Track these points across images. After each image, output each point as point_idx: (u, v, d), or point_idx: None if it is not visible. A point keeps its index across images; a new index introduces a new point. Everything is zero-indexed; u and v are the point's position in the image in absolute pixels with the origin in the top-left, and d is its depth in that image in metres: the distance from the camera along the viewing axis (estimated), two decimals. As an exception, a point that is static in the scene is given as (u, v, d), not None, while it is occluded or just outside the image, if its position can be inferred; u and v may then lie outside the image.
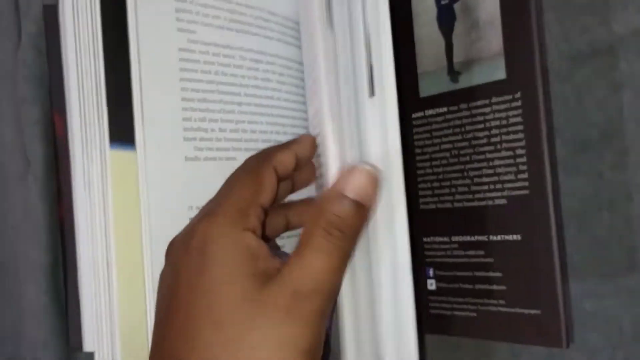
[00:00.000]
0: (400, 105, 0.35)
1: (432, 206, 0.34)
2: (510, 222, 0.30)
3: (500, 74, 0.30)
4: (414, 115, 0.34)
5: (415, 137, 0.34)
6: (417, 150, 0.34)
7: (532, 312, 0.30)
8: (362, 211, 0.24)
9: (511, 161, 0.30)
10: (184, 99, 0.29)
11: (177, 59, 0.29)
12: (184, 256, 0.23)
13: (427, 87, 0.34)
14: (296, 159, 0.28)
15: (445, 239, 0.33)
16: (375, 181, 0.24)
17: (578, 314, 0.31)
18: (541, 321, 0.29)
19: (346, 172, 0.24)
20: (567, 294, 0.30)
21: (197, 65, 0.30)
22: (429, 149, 0.34)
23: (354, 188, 0.24)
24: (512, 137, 0.30)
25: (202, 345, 0.21)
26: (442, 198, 0.33)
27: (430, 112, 0.34)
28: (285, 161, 0.27)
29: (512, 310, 0.30)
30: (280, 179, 0.27)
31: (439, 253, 0.34)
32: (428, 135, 0.34)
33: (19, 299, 0.34)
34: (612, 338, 0.30)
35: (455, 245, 0.33)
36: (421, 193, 0.34)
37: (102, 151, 0.28)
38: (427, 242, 0.34)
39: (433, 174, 0.34)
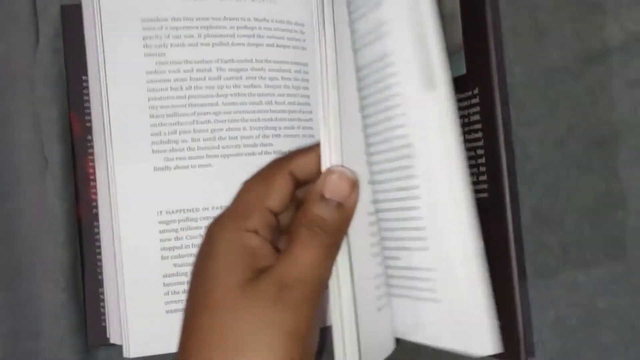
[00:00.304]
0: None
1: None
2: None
3: (461, 69, 0.28)
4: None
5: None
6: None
7: None
8: (341, 210, 0.25)
9: (473, 162, 0.28)
10: (152, 116, 0.32)
11: (144, 81, 0.32)
12: (197, 256, 0.27)
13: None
14: None
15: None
16: (351, 182, 0.26)
17: (591, 312, 0.31)
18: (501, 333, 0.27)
19: (325, 173, 0.26)
20: (525, 305, 0.29)
21: (166, 84, 0.32)
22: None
23: (332, 189, 0.25)
24: (473, 136, 0.28)
25: (196, 329, 0.25)
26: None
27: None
28: (306, 164, 0.27)
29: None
30: (301, 182, 0.28)
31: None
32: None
33: (37, 296, 0.35)
34: (625, 336, 0.30)
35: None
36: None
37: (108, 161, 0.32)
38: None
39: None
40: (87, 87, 0.34)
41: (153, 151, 0.32)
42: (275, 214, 0.27)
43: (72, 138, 0.35)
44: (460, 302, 0.26)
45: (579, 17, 0.31)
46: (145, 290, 0.32)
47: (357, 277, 0.26)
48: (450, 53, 0.28)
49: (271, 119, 0.36)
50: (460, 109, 0.28)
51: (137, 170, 0.31)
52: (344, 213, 0.26)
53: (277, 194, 0.26)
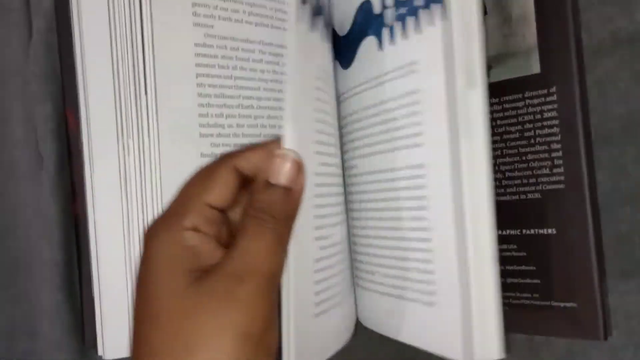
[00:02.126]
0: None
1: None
2: (545, 216, 0.29)
3: (534, 68, 0.29)
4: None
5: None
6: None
7: (568, 305, 0.28)
8: (289, 194, 0.24)
9: (546, 155, 0.29)
10: (200, 95, 0.28)
11: (192, 54, 0.28)
12: (139, 266, 0.23)
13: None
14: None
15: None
16: (296, 164, 0.24)
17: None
18: (578, 314, 0.28)
19: (271, 159, 0.24)
20: (604, 286, 0.29)
21: (214, 60, 0.29)
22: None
23: (276, 172, 0.23)
24: (546, 131, 0.29)
25: (142, 340, 0.22)
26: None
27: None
28: (253, 159, 0.24)
29: (547, 303, 0.29)
30: (249, 179, 0.25)
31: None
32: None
33: (33, 296, 0.34)
34: (635, 336, 0.30)
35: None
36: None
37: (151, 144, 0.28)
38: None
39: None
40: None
41: (200, 135, 0.28)
42: (220, 210, 0.24)
43: (68, 134, 0.33)
44: (462, 308, 0.25)
45: (587, 8, 0.30)
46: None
47: (296, 284, 0.25)
48: (521, 52, 0.29)
49: (300, 111, 0.34)
50: (531, 105, 0.29)
51: (183, 156, 0.28)
52: (292, 197, 0.24)
53: (218, 189, 0.24)
